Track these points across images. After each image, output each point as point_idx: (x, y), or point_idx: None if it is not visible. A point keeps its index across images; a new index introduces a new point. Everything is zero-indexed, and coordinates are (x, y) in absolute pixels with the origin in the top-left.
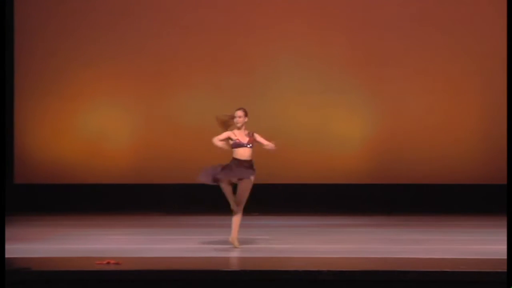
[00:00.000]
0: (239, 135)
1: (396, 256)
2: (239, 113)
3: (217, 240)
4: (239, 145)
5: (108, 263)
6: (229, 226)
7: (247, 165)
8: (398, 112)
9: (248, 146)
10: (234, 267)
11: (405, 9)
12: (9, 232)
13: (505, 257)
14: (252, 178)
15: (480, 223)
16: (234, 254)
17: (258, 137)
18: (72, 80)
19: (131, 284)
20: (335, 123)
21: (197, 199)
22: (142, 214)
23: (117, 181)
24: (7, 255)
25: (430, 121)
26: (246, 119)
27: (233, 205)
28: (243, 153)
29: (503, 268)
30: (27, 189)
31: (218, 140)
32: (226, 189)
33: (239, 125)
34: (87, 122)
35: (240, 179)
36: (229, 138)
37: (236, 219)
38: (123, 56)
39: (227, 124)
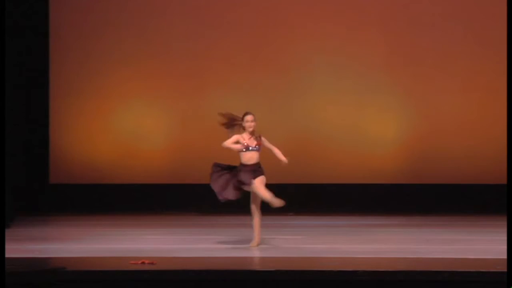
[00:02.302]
0: (247, 139)
1: (432, 256)
2: (251, 117)
3: (252, 240)
4: (247, 148)
5: (143, 263)
6: (264, 226)
7: (255, 168)
8: (434, 111)
9: (256, 148)
10: (269, 267)
11: (441, 8)
12: (44, 232)
13: None
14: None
15: None
16: (269, 254)
17: (266, 142)
18: (106, 80)
19: (165, 284)
20: (370, 123)
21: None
22: (177, 214)
23: (152, 181)
24: (42, 255)
25: (466, 120)
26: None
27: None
28: (251, 157)
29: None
30: (62, 189)
31: (229, 143)
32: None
33: (251, 129)
34: (122, 122)
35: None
36: (237, 142)
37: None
38: (159, 55)
39: (231, 124)
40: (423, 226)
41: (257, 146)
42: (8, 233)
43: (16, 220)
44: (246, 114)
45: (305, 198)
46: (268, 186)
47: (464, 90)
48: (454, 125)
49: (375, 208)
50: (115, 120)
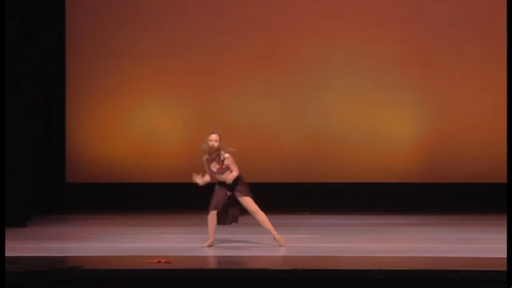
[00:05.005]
0: (212, 163)
1: (449, 255)
2: (215, 137)
3: (268, 239)
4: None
5: (159, 261)
6: (280, 225)
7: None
8: (451, 110)
9: (218, 174)
10: (286, 266)
11: (457, 7)
12: (60, 231)
13: None
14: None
15: None
16: (286, 253)
17: (228, 162)
18: (122, 79)
19: (182, 282)
20: (387, 122)
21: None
22: (193, 213)
23: (168, 180)
24: (59, 254)
25: (482, 119)
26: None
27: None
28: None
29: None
30: (78, 188)
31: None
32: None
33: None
34: (138, 121)
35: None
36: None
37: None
38: (174, 54)
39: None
40: (439, 225)
41: (219, 172)
42: (25, 232)
43: (32, 219)
44: (212, 133)
45: (321, 197)
46: (286, 185)
47: (480, 88)
48: (470, 123)
49: (391, 207)
50: (131, 119)
